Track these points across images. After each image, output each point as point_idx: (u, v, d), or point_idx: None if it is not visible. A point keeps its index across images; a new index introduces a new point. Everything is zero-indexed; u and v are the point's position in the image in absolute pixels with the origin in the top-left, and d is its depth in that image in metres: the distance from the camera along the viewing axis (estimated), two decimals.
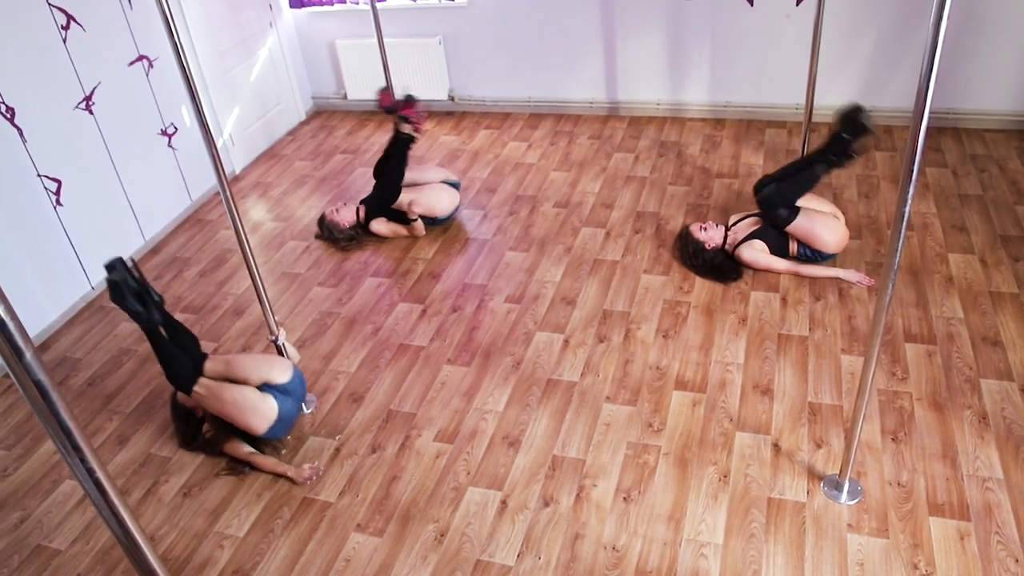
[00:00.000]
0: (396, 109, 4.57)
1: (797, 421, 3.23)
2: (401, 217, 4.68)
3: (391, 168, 4.60)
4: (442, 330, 3.97)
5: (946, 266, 3.98)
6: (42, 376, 1.13)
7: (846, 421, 3.21)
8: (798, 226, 3.92)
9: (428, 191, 4.66)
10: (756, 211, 4.17)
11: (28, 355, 1.10)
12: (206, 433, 3.41)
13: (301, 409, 3.51)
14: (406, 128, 4.54)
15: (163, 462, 3.43)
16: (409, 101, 4.57)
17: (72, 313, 4.44)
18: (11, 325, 1.07)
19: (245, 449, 3.33)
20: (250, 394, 3.23)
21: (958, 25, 4.81)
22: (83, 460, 1.22)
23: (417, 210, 4.59)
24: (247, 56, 5.79)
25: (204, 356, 3.35)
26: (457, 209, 4.80)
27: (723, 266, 4.04)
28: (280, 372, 3.34)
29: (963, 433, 3.09)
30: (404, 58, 6.05)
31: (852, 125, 3.70)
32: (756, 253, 4.03)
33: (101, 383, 3.93)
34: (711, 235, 4.08)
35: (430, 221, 4.73)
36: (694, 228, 4.13)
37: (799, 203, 3.91)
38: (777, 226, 3.96)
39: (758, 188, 4.01)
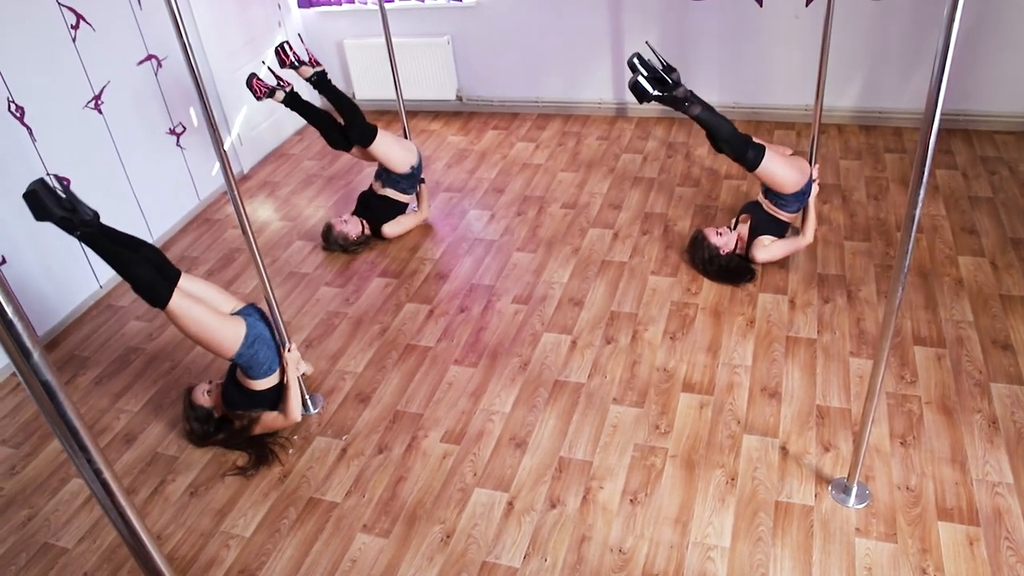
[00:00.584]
0: (261, 91, 4.44)
1: (805, 424, 3.22)
2: (397, 210, 4.68)
3: (342, 100, 4.47)
4: (449, 330, 3.96)
5: (956, 269, 3.96)
6: (49, 377, 1.12)
7: (854, 424, 3.19)
8: (765, 168, 3.82)
9: (380, 146, 4.52)
10: (744, 208, 4.16)
11: (36, 355, 1.09)
12: (239, 427, 3.38)
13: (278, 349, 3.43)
14: (306, 71, 4.49)
15: (170, 461, 3.44)
16: (279, 53, 4.47)
17: (80, 311, 4.45)
18: (19, 325, 1.06)
19: (278, 419, 3.38)
20: (220, 314, 3.21)
21: (969, 27, 4.78)
22: (90, 461, 1.21)
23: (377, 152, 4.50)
24: (256, 55, 5.80)
25: (178, 272, 3.21)
26: (418, 166, 4.68)
27: (738, 269, 4.02)
28: (236, 301, 3.39)
29: (972, 437, 3.07)
30: (412, 58, 6.05)
31: (635, 93, 3.68)
32: (769, 249, 4.01)
33: (108, 381, 3.94)
34: (727, 240, 4.04)
35: (397, 178, 4.65)
36: (709, 232, 4.08)
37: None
38: (751, 167, 3.84)
39: (719, 149, 3.91)
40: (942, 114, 2.07)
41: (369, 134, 4.42)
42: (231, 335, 3.19)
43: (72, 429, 1.17)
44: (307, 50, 4.63)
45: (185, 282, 3.19)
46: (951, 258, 4.04)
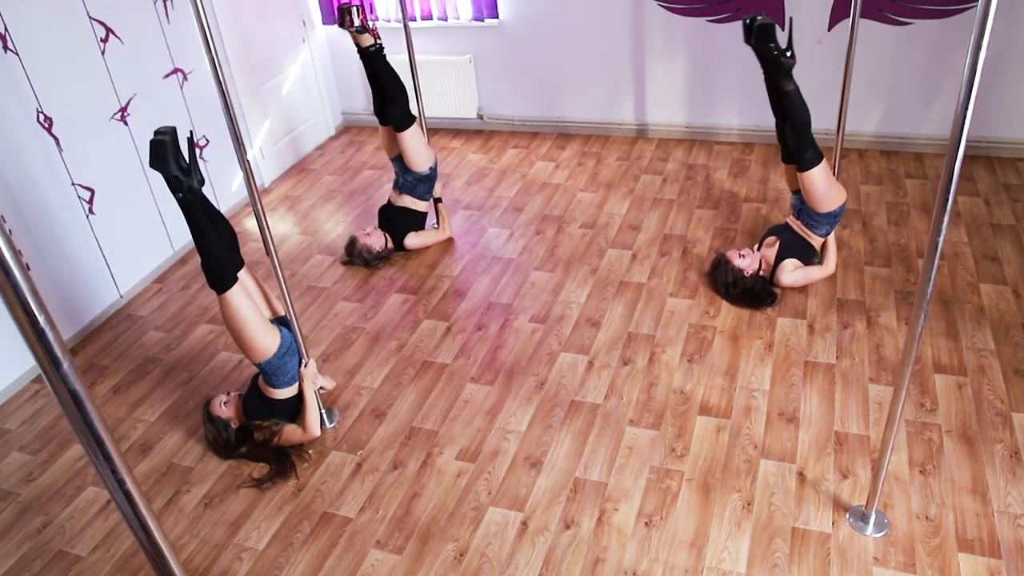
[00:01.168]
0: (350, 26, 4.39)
1: (823, 450, 3.19)
2: (416, 220, 4.73)
3: (387, 80, 4.49)
4: (466, 348, 3.96)
5: (978, 296, 3.92)
6: (78, 386, 1.14)
7: (873, 451, 3.16)
8: (815, 174, 3.83)
9: (410, 136, 4.56)
10: (771, 231, 4.16)
11: (65, 365, 1.11)
12: (259, 438, 3.39)
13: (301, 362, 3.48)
14: (366, 40, 4.42)
15: (185, 472, 3.45)
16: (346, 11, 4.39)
17: (100, 320, 4.49)
18: (51, 335, 1.08)
19: (297, 432, 3.41)
20: (263, 318, 3.29)
21: (993, 54, 4.77)
22: (114, 470, 1.22)
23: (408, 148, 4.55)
24: (279, 71, 5.86)
25: (242, 261, 3.36)
26: (435, 168, 4.71)
27: (762, 292, 4.00)
28: (276, 306, 3.51)
29: (994, 468, 3.04)
30: (434, 75, 6.09)
31: (758, 34, 3.66)
32: (794, 275, 4.01)
33: (127, 391, 3.96)
34: (750, 262, 4.04)
35: (413, 182, 4.69)
36: (732, 255, 4.07)
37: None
38: (803, 167, 3.86)
39: (782, 135, 3.93)
40: (965, 141, 2.06)
41: (408, 120, 4.50)
42: (268, 342, 3.26)
43: (97, 438, 1.19)
44: (374, 20, 4.53)
45: (243, 273, 3.30)
46: (972, 285, 4.00)
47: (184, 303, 4.58)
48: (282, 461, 3.38)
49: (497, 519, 3.05)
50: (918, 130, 5.26)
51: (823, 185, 3.88)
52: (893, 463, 3.08)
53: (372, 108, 4.73)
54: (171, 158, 2.91)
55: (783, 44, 3.69)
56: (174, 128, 2.94)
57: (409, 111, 4.52)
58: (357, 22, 4.33)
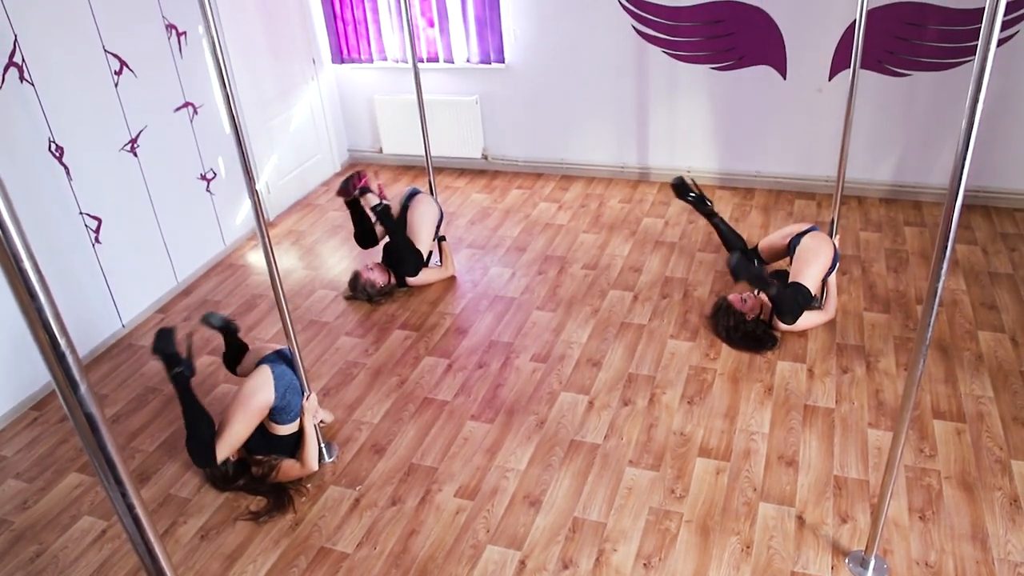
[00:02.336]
0: (353, 191, 4.68)
1: (822, 494, 3.19)
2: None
3: (399, 240, 4.67)
4: (467, 386, 3.97)
5: (976, 344, 3.95)
6: (94, 410, 1.15)
7: (872, 496, 3.16)
8: (806, 318, 4.08)
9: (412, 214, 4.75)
10: (773, 272, 4.23)
11: (83, 388, 1.13)
12: (257, 473, 3.41)
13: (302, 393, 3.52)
14: (373, 200, 4.69)
15: (182, 503, 3.43)
16: (353, 180, 4.69)
17: (102, 349, 4.50)
18: (70, 358, 1.10)
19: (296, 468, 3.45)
20: (246, 407, 3.34)
21: (990, 105, 4.85)
22: (124, 495, 1.24)
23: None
24: (288, 107, 5.94)
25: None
26: (440, 218, 4.85)
27: (763, 336, 4.03)
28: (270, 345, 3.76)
29: (994, 515, 3.03)
30: (440, 115, 6.18)
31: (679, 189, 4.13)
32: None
33: (126, 420, 3.96)
34: (752, 305, 4.07)
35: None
36: (735, 299, 4.10)
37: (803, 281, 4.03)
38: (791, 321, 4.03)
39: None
40: (964, 190, 2.10)
41: (416, 270, 4.74)
42: (263, 399, 3.34)
43: (110, 462, 1.20)
44: (379, 185, 4.80)
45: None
46: (971, 332, 4.03)
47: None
48: (280, 495, 3.37)
49: (495, 558, 3.04)
50: (917, 179, 5.33)
51: (817, 275, 4.10)
52: (892, 508, 3.07)
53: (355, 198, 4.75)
54: (172, 343, 3.31)
55: (696, 196, 4.28)
56: (173, 329, 3.38)
57: (417, 262, 4.71)
58: (362, 187, 4.66)
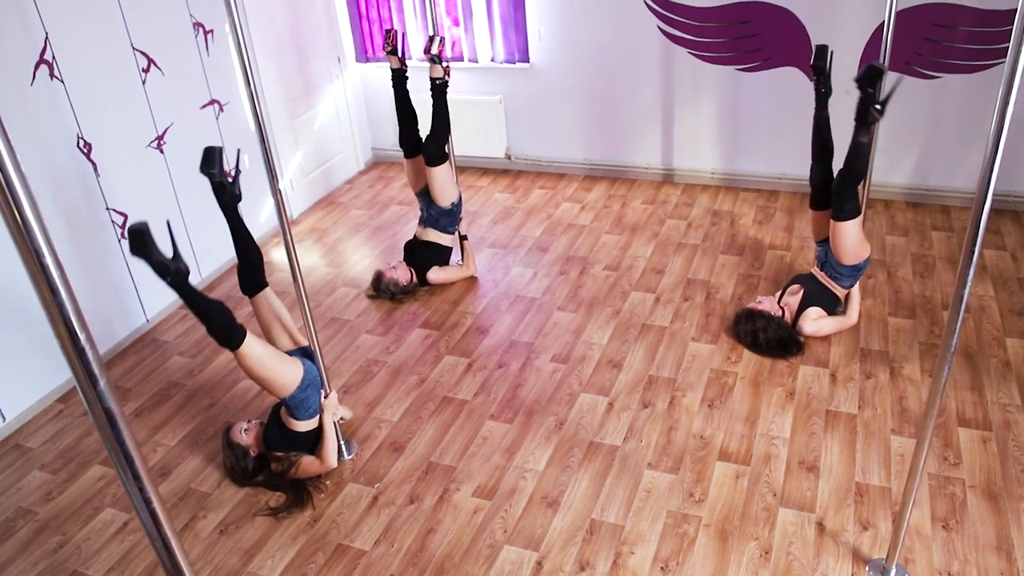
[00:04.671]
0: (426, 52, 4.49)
1: (843, 501, 3.15)
2: (440, 254, 4.78)
3: (439, 115, 4.56)
4: (487, 385, 3.97)
5: (1003, 351, 3.89)
6: (112, 404, 1.16)
7: (894, 504, 3.12)
8: (849, 225, 3.85)
9: (440, 172, 4.64)
10: (794, 280, 4.16)
11: (102, 383, 1.14)
12: (276, 469, 3.42)
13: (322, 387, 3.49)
14: (437, 71, 4.50)
15: (202, 497, 3.46)
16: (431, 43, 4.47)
17: (126, 343, 4.55)
18: (90, 353, 1.11)
19: (315, 464, 3.43)
20: (282, 356, 3.31)
21: (1021, 108, 4.77)
22: (141, 489, 1.24)
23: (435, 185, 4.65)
24: (313, 105, 5.98)
25: (266, 283, 3.55)
26: (458, 203, 4.79)
27: (789, 341, 3.98)
28: (298, 337, 3.59)
29: (1019, 526, 2.98)
30: (464, 115, 6.18)
31: (867, 73, 3.68)
32: (817, 323, 4.01)
33: (148, 414, 4.00)
34: (766, 307, 4.04)
35: (436, 215, 4.77)
36: (757, 304, 4.06)
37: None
38: (843, 216, 3.85)
39: (825, 175, 4.02)
40: (992, 194, 2.06)
41: (443, 157, 4.60)
42: (290, 378, 3.27)
43: (128, 457, 1.21)
44: (447, 60, 4.61)
45: (268, 295, 3.50)
46: (998, 339, 3.97)
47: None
48: (299, 491, 3.38)
49: (512, 558, 3.03)
50: (946, 183, 5.26)
51: (855, 238, 3.90)
52: (915, 517, 3.03)
53: (398, 141, 4.81)
54: (152, 248, 2.91)
55: (883, 97, 3.74)
56: (145, 222, 2.91)
57: (445, 148, 4.60)
58: (435, 51, 4.42)
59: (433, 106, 4.56)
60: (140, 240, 2.89)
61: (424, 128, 4.68)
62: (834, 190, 3.87)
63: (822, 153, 4.10)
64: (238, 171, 3.30)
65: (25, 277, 1.07)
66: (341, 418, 3.61)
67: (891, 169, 5.32)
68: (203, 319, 3.09)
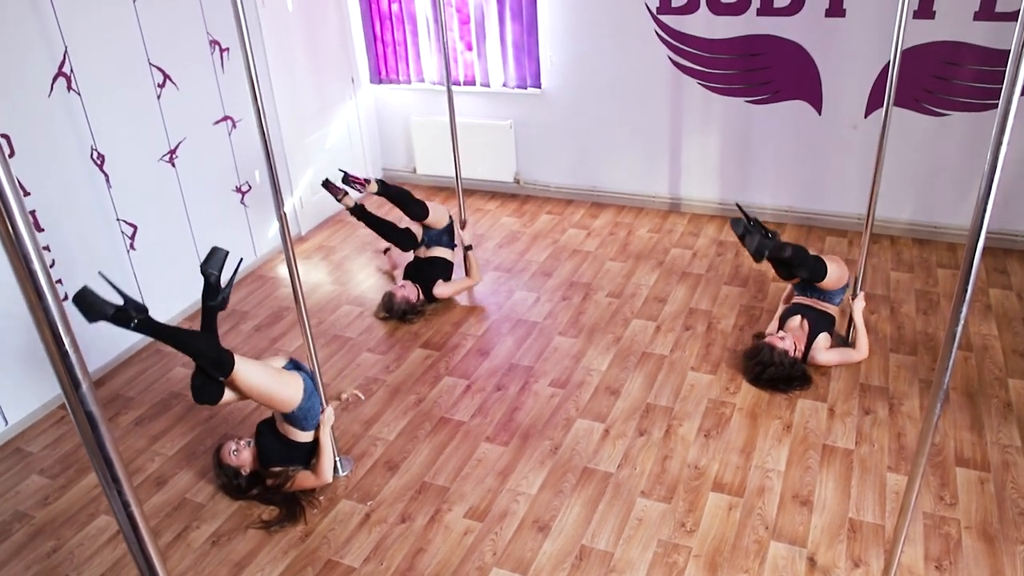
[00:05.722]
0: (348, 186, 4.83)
1: (836, 536, 3.13)
2: (444, 268, 4.89)
3: (401, 201, 4.87)
4: (484, 407, 3.98)
5: (1005, 391, 3.87)
6: (94, 408, 1.19)
7: (888, 542, 3.10)
8: (830, 275, 4.06)
9: (432, 216, 4.95)
10: (790, 312, 4.17)
11: (84, 387, 1.16)
12: (271, 484, 3.44)
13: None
14: (349, 202, 4.85)
15: (197, 508, 3.48)
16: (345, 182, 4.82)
17: (130, 353, 4.59)
18: (73, 357, 1.13)
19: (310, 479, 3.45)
20: (279, 371, 3.35)
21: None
22: (120, 493, 1.26)
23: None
24: (325, 124, 6.05)
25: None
26: (451, 219, 5.05)
27: (800, 375, 3.96)
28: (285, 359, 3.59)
29: (1015, 570, 2.96)
30: (474, 138, 6.24)
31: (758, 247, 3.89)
32: (830, 354, 4.03)
33: (149, 423, 4.02)
34: (788, 345, 3.96)
35: (438, 235, 5.00)
36: (774, 340, 3.98)
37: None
38: (821, 278, 4.06)
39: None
40: (999, 234, 2.09)
41: (423, 208, 4.86)
42: (292, 392, 3.32)
43: (108, 460, 1.23)
44: (360, 180, 4.86)
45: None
46: (1000, 379, 3.95)
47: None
48: (292, 505, 3.40)
49: None
50: (952, 220, 5.26)
51: (836, 274, 4.08)
52: (908, 556, 3.01)
53: (398, 245, 5.01)
54: (104, 305, 2.89)
55: (752, 226, 3.95)
56: (84, 286, 2.89)
57: (418, 206, 4.85)
58: (351, 185, 4.79)
59: (391, 198, 4.87)
60: (88, 303, 2.85)
61: (399, 217, 5.03)
62: (796, 267, 4.02)
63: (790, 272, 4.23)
64: (231, 282, 3.33)
65: None
66: (357, 396, 3.71)
67: (898, 205, 5.33)
68: (187, 351, 3.13)
